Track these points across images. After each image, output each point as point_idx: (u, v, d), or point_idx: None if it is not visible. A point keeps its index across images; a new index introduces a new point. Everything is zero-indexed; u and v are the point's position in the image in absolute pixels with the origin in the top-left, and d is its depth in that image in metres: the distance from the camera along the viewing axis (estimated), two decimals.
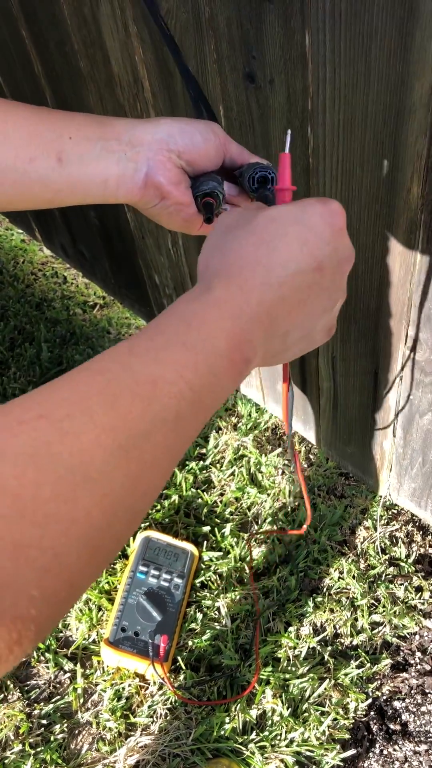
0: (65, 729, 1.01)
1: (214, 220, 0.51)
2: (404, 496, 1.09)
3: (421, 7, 0.54)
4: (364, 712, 0.99)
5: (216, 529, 1.17)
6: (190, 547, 1.12)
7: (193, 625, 1.07)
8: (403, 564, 1.11)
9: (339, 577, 1.10)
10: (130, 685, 1.03)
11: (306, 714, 0.98)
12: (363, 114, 0.64)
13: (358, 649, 1.04)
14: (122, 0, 0.82)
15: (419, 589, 1.08)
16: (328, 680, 1.00)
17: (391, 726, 0.97)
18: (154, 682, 1.03)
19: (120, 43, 0.88)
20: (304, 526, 0.92)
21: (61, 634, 1.10)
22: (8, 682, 1.05)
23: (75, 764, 0.97)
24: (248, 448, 1.28)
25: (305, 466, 1.25)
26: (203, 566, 1.13)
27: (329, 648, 1.04)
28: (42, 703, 1.03)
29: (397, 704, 0.99)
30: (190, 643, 1.05)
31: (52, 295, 1.69)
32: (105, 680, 1.04)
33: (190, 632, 1.07)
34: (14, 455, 0.27)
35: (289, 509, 1.19)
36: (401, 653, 1.03)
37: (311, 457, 1.26)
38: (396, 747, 0.95)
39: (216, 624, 1.07)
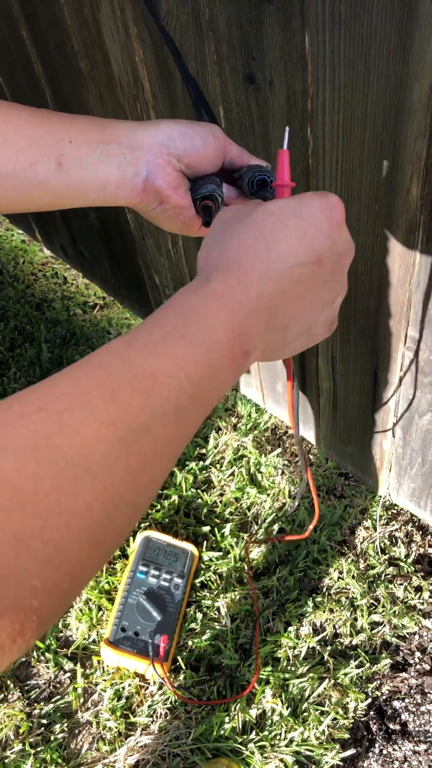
0: (65, 729, 1.01)
1: (212, 222, 0.52)
2: (404, 496, 1.09)
3: (420, 8, 0.54)
4: (363, 712, 0.99)
5: (216, 529, 1.17)
6: (190, 547, 1.12)
7: (193, 625, 1.07)
8: (402, 564, 1.11)
9: (338, 577, 1.11)
10: (130, 685, 1.03)
11: (306, 714, 0.98)
12: (362, 115, 0.64)
13: (357, 649, 1.04)
14: (122, 1, 0.82)
15: (419, 589, 1.08)
16: (327, 680, 1.00)
17: (391, 726, 0.97)
18: (154, 682, 1.03)
19: (120, 44, 0.88)
20: (309, 528, 0.92)
21: (61, 634, 1.10)
22: (8, 682, 1.05)
23: (75, 764, 0.98)
24: (248, 448, 1.28)
25: (311, 458, 1.25)
26: (203, 566, 1.13)
27: (329, 648, 1.04)
28: (42, 703, 1.03)
29: (396, 704, 0.99)
30: (190, 642, 1.05)
31: (53, 296, 1.69)
32: (105, 680, 1.04)
33: (190, 632, 1.07)
34: (15, 448, 0.27)
35: (288, 509, 1.19)
36: (401, 653, 1.04)
37: (311, 457, 1.26)
38: (395, 747, 0.95)
39: (216, 624, 1.07)
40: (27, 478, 0.26)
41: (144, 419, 0.31)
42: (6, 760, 0.98)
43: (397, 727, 0.97)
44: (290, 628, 1.06)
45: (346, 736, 0.97)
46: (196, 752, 0.96)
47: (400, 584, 1.09)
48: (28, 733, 1.00)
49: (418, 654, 1.03)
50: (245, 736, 0.97)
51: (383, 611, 1.06)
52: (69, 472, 0.28)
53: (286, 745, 0.96)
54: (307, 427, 1.19)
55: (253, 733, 0.97)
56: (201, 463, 1.27)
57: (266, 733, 0.97)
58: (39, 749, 0.98)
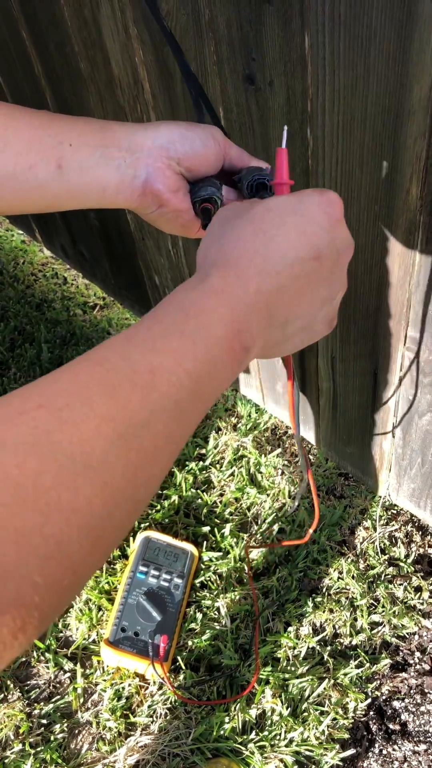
0: (65, 729, 1.01)
1: (211, 220, 0.52)
2: (403, 497, 1.09)
3: (419, 10, 0.54)
4: (363, 712, 0.99)
5: (216, 530, 1.17)
6: (189, 547, 1.12)
7: (192, 625, 1.07)
8: (402, 564, 1.11)
9: (338, 577, 1.11)
10: (130, 685, 1.03)
11: (305, 714, 0.98)
12: (362, 116, 0.65)
13: (357, 649, 1.04)
14: (122, 2, 0.82)
15: (418, 589, 1.08)
16: (327, 680, 1.00)
17: (391, 726, 0.97)
18: (154, 682, 1.03)
19: (120, 45, 0.88)
20: (309, 531, 0.92)
21: (61, 634, 1.10)
22: (8, 682, 1.05)
23: (75, 764, 0.98)
24: (248, 448, 1.29)
25: (311, 459, 1.25)
26: (203, 566, 1.13)
27: (329, 648, 1.04)
28: (42, 703, 1.03)
29: (396, 704, 0.99)
30: (189, 643, 1.05)
31: (53, 296, 1.69)
32: (105, 680, 1.04)
33: (189, 632, 1.07)
34: (15, 445, 0.27)
35: (288, 509, 1.19)
36: (400, 653, 1.04)
37: (311, 457, 1.26)
38: (395, 747, 0.96)
39: (216, 624, 1.07)
40: (27, 474, 0.26)
41: (144, 415, 0.31)
42: (6, 760, 0.98)
43: (397, 727, 0.97)
44: (290, 629, 1.06)
45: (346, 736, 0.97)
46: (196, 752, 0.96)
47: (400, 584, 1.09)
48: (28, 733, 1.00)
49: (417, 654, 1.03)
50: (245, 736, 0.97)
51: (383, 611, 1.06)
52: (69, 468, 0.28)
53: (286, 745, 0.96)
54: (306, 427, 1.19)
55: (253, 733, 0.97)
56: (201, 463, 1.28)
57: (266, 733, 0.97)
58: (39, 749, 0.98)
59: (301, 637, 1.05)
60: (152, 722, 1.00)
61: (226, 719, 0.98)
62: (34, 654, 1.08)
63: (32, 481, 0.26)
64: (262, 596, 1.09)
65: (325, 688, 1.00)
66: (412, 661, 1.03)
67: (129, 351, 0.33)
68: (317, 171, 0.74)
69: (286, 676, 1.01)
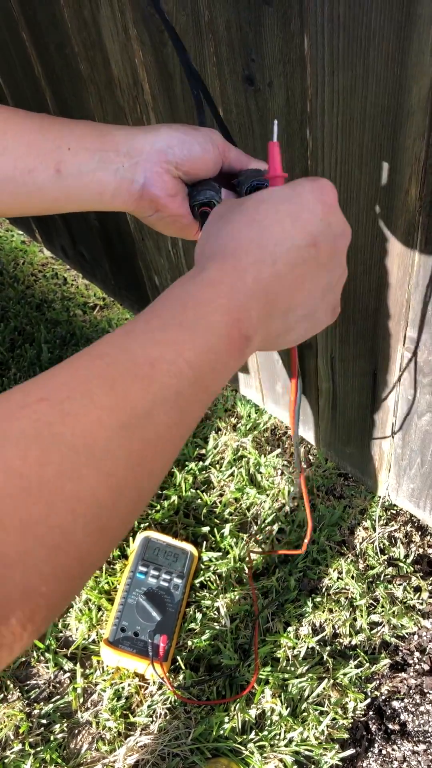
0: (65, 728, 1.01)
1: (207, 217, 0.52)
2: (403, 497, 1.09)
3: (418, 11, 0.54)
4: (362, 712, 0.99)
5: (215, 530, 1.17)
6: (189, 547, 1.13)
7: (192, 625, 1.07)
8: (401, 564, 1.11)
9: (338, 578, 1.11)
10: (129, 685, 1.03)
11: (305, 714, 0.98)
12: (361, 116, 0.65)
13: (356, 649, 1.04)
14: (122, 3, 0.82)
15: (418, 589, 1.08)
16: (327, 680, 1.01)
17: (390, 726, 0.97)
18: (154, 682, 1.03)
19: (120, 46, 0.88)
20: (305, 542, 0.92)
21: (61, 634, 1.10)
22: (8, 682, 1.06)
23: (75, 764, 0.98)
24: (247, 448, 1.29)
25: (304, 466, 1.26)
26: (203, 566, 1.13)
27: (328, 648, 1.04)
28: (42, 703, 1.03)
29: (395, 704, 0.99)
30: (189, 643, 1.06)
31: (53, 297, 1.70)
32: (105, 680, 1.04)
33: (189, 632, 1.07)
34: (17, 437, 0.27)
35: (288, 510, 1.20)
36: (400, 653, 1.04)
37: (310, 457, 1.26)
38: (395, 747, 0.96)
39: (215, 624, 1.07)
40: (31, 465, 0.27)
41: (145, 406, 0.31)
42: (6, 760, 0.98)
43: (397, 727, 0.97)
44: (289, 628, 1.06)
45: (346, 736, 0.97)
46: (196, 752, 0.96)
47: (400, 584, 1.09)
48: (27, 733, 1.00)
49: (417, 654, 1.03)
50: (245, 736, 0.97)
51: (382, 611, 1.06)
52: (72, 458, 0.28)
53: (286, 745, 0.96)
54: (306, 427, 1.20)
55: (253, 733, 0.97)
56: (200, 463, 1.28)
57: (265, 733, 0.97)
58: (39, 749, 0.99)
59: (300, 637, 1.05)
60: (152, 722, 1.00)
61: (226, 719, 0.98)
62: (34, 654, 1.08)
63: (36, 472, 0.27)
64: (261, 596, 1.10)
65: (324, 688, 1.00)
66: (411, 661, 1.03)
67: (128, 344, 0.33)
68: (317, 172, 0.74)
69: (286, 676, 1.01)
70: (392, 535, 1.15)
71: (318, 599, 1.09)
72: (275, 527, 1.17)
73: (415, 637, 1.05)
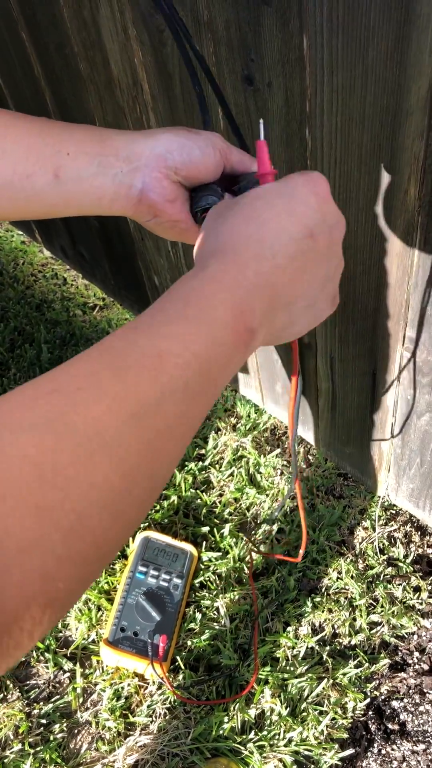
0: (64, 728, 1.01)
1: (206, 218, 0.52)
2: (402, 497, 1.09)
3: (417, 10, 0.54)
4: (362, 712, 0.99)
5: (215, 530, 1.17)
6: (189, 547, 1.13)
7: (192, 625, 1.07)
8: (401, 564, 1.11)
9: (337, 577, 1.11)
10: (129, 685, 1.03)
11: (304, 714, 0.98)
12: (360, 117, 0.65)
13: (356, 649, 1.04)
14: (122, 3, 0.82)
15: (417, 589, 1.08)
16: (326, 680, 1.01)
17: (390, 726, 0.97)
18: (153, 682, 1.03)
19: (119, 46, 0.88)
20: (301, 552, 0.93)
21: (61, 634, 1.10)
22: (8, 682, 1.06)
23: (74, 763, 0.98)
24: (247, 448, 1.29)
25: (303, 466, 1.26)
26: (202, 566, 1.13)
27: (328, 648, 1.04)
28: (41, 703, 1.04)
29: (395, 704, 0.99)
30: (189, 642, 1.06)
31: (52, 297, 1.70)
32: (104, 680, 1.04)
33: (189, 632, 1.07)
34: (31, 426, 0.28)
35: (287, 509, 1.20)
36: (399, 653, 1.04)
37: (310, 457, 1.27)
38: (394, 746, 0.96)
39: (215, 624, 1.07)
40: (45, 452, 0.27)
41: (154, 396, 0.32)
42: (5, 760, 0.98)
43: (396, 727, 0.97)
44: (289, 628, 1.06)
45: (345, 735, 0.97)
46: (195, 752, 0.96)
47: (399, 584, 1.09)
48: (27, 733, 1.00)
49: (416, 654, 1.03)
50: (244, 736, 0.97)
51: (382, 611, 1.06)
52: (85, 445, 0.29)
53: (285, 745, 0.96)
54: (305, 427, 1.20)
55: (252, 732, 0.97)
56: (200, 463, 1.28)
57: (265, 732, 0.97)
58: (38, 749, 0.99)
59: (300, 637, 1.05)
60: (151, 722, 1.00)
61: (225, 719, 0.98)
62: (34, 654, 1.08)
63: (50, 458, 0.27)
64: (261, 596, 1.10)
65: (324, 688, 1.00)
66: (411, 661, 1.03)
67: (135, 338, 0.34)
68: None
69: (285, 675, 1.01)
70: (392, 535, 1.15)
71: (317, 599, 1.09)
72: (275, 527, 1.17)
73: (415, 637, 1.05)
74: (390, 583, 1.09)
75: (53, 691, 1.05)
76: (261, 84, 0.72)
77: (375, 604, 1.08)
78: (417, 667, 1.02)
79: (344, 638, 1.05)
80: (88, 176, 0.51)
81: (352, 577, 1.10)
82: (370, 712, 0.99)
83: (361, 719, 0.99)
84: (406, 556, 1.12)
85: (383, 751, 0.96)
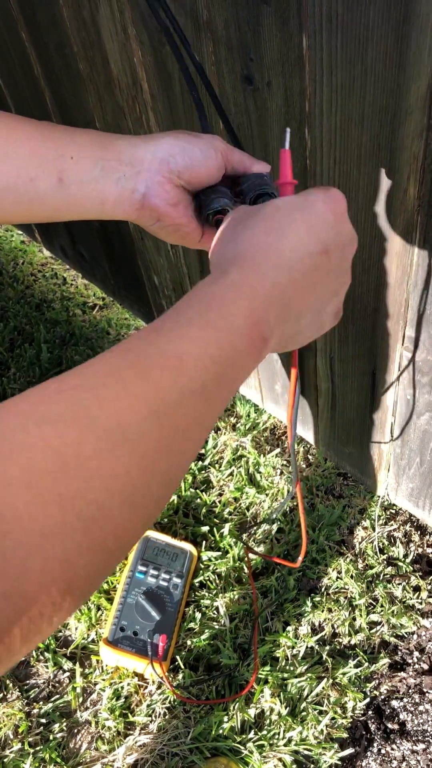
0: (64, 728, 1.01)
1: (223, 221, 0.52)
2: (402, 496, 1.09)
3: (417, 10, 0.54)
4: (362, 712, 0.99)
5: (215, 529, 1.17)
6: (189, 546, 1.13)
7: (191, 625, 1.07)
8: (401, 564, 1.11)
9: (337, 577, 1.11)
10: (129, 685, 1.03)
11: (304, 713, 0.98)
12: (360, 116, 0.65)
13: (356, 649, 1.04)
14: (121, 2, 0.82)
15: (417, 589, 1.08)
16: (326, 679, 1.01)
17: (389, 725, 0.97)
18: (153, 682, 1.03)
19: (119, 45, 0.88)
20: (300, 559, 0.93)
21: (60, 634, 1.10)
22: (8, 681, 1.06)
23: (74, 763, 0.98)
24: (247, 448, 1.29)
25: (303, 466, 1.26)
26: (202, 566, 1.13)
27: (327, 647, 1.04)
28: (41, 702, 1.04)
29: (395, 703, 0.99)
30: (188, 642, 1.06)
31: (52, 296, 1.70)
32: (104, 679, 1.04)
33: (188, 632, 1.07)
34: (55, 418, 0.29)
35: (287, 509, 1.20)
36: (399, 653, 1.04)
37: (309, 457, 1.27)
38: (394, 746, 0.96)
39: (215, 623, 1.07)
40: (69, 444, 0.28)
41: (173, 396, 0.33)
42: (5, 760, 0.98)
43: (396, 727, 0.97)
44: (289, 628, 1.06)
45: (345, 735, 0.97)
46: (195, 751, 0.96)
47: (399, 584, 1.09)
48: (27, 733, 1.00)
49: (416, 654, 1.03)
50: (244, 736, 0.97)
51: (382, 611, 1.06)
52: (108, 439, 0.30)
53: (285, 745, 0.96)
54: (305, 427, 1.20)
55: (252, 732, 0.97)
56: (200, 463, 1.28)
57: (265, 732, 0.97)
58: (38, 748, 0.99)
59: (299, 637, 1.05)
60: (151, 721, 1.00)
61: (225, 718, 0.98)
62: (34, 653, 1.08)
63: (73, 450, 0.28)
64: (261, 596, 1.10)
65: (323, 688, 1.00)
66: (410, 661, 1.03)
67: (157, 339, 0.35)
68: (315, 171, 0.74)
69: (285, 675, 1.01)
70: (391, 534, 1.15)
71: (317, 599, 1.09)
72: (274, 527, 1.17)
73: (415, 636, 1.05)
74: (390, 582, 1.09)
75: (53, 690, 1.05)
76: (260, 83, 0.72)
77: (375, 603, 1.08)
78: (417, 666, 1.02)
79: (344, 638, 1.06)
80: (91, 180, 0.52)
81: (351, 576, 1.10)
82: (370, 712, 0.99)
83: (361, 719, 0.99)
84: (405, 556, 1.12)
85: (383, 751, 0.96)
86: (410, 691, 1.00)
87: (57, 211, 0.53)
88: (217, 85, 0.78)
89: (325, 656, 1.03)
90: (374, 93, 0.62)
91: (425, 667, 1.02)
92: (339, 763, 0.95)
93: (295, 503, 1.20)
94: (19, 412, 0.29)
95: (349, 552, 1.14)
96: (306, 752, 0.96)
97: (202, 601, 1.09)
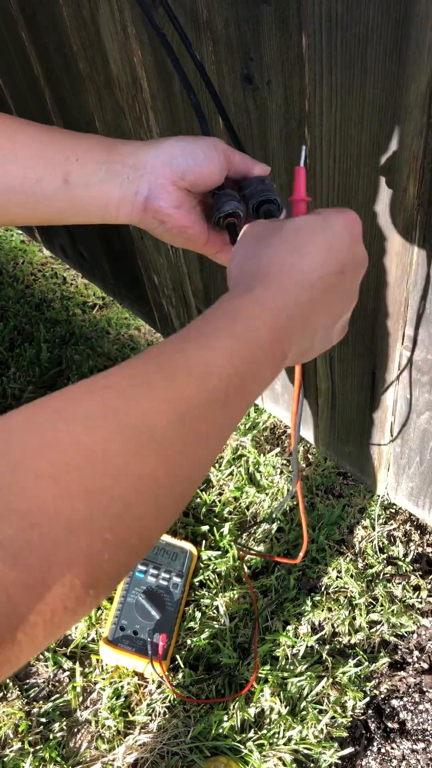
0: (64, 727, 1.01)
1: (241, 235, 0.53)
2: (402, 496, 1.09)
3: (416, 8, 0.54)
4: (362, 711, 0.99)
5: (215, 529, 1.18)
6: (188, 546, 1.13)
7: (191, 624, 1.07)
8: (400, 563, 1.11)
9: (337, 576, 1.11)
10: (129, 684, 1.03)
11: (304, 712, 0.98)
12: (359, 115, 0.65)
13: (356, 648, 1.04)
14: (121, 2, 0.82)
15: (417, 588, 1.08)
16: (326, 679, 1.01)
17: (389, 724, 0.98)
18: (153, 681, 1.03)
19: (119, 45, 0.89)
20: (300, 555, 0.93)
21: None
22: (8, 681, 1.06)
23: (74, 762, 0.98)
24: (247, 447, 1.29)
25: (303, 465, 1.26)
26: (202, 565, 1.13)
27: (327, 647, 1.04)
28: (41, 702, 1.04)
29: (394, 702, 0.99)
30: (188, 641, 1.06)
31: (52, 296, 1.70)
32: (104, 679, 1.04)
33: (188, 631, 1.07)
34: (85, 416, 0.30)
35: (287, 508, 1.20)
36: (399, 652, 1.04)
37: (309, 456, 1.27)
38: (394, 745, 0.96)
39: (214, 623, 1.07)
40: (97, 441, 0.29)
41: (198, 402, 0.34)
42: (5, 759, 0.98)
43: (396, 726, 0.97)
44: (289, 627, 1.06)
45: (345, 734, 0.97)
46: (195, 751, 0.96)
47: (399, 583, 1.09)
48: (27, 732, 1.00)
49: (416, 653, 1.03)
50: (244, 735, 0.97)
51: (381, 610, 1.06)
52: (135, 439, 0.30)
53: (285, 744, 0.96)
54: (305, 426, 1.20)
55: (252, 731, 0.97)
56: None
57: (265, 731, 0.97)
58: (38, 748, 0.99)
59: (299, 636, 1.05)
60: (151, 721, 1.00)
61: (225, 718, 0.98)
62: None
63: (102, 447, 0.29)
64: (261, 595, 1.10)
65: (323, 687, 1.00)
66: (410, 660, 1.03)
67: (185, 347, 0.36)
68: (315, 170, 0.74)
69: (285, 674, 1.01)
70: (391, 533, 1.15)
71: (317, 598, 1.09)
72: (274, 526, 1.17)
73: (414, 635, 1.05)
74: (390, 581, 1.09)
75: (53, 689, 1.05)
76: (260, 82, 0.72)
77: (375, 602, 1.08)
78: (416, 665, 1.02)
79: (344, 637, 1.06)
80: (96, 182, 0.52)
81: (351, 576, 1.10)
82: (370, 711, 0.99)
83: (361, 718, 0.99)
84: (405, 555, 1.12)
85: (383, 750, 0.96)
86: (410, 690, 1.00)
87: (61, 213, 0.53)
88: (216, 85, 0.78)
89: (325, 655, 1.03)
90: (374, 92, 0.62)
91: (425, 666, 1.02)
92: (339, 762, 0.95)
93: (295, 503, 1.20)
94: (49, 411, 0.30)
95: (349, 551, 1.14)
96: (306, 751, 0.96)
97: (202, 600, 1.10)
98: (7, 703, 1.04)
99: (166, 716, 1.00)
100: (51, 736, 1.00)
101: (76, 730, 1.01)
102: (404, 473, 1.04)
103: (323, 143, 0.71)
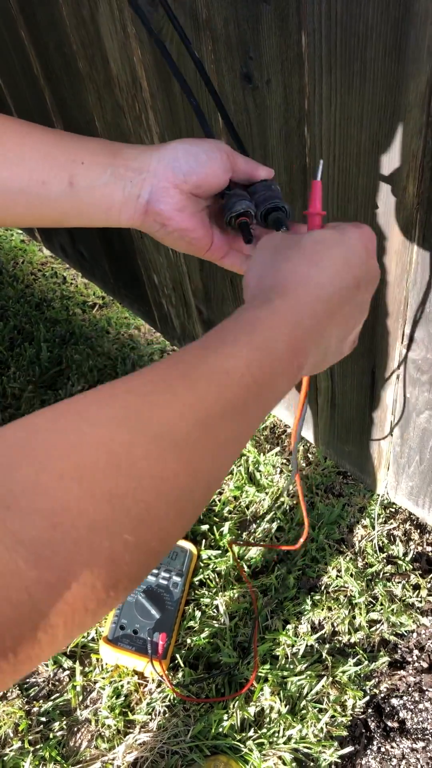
0: (64, 726, 1.01)
1: (253, 240, 0.53)
2: (402, 495, 1.09)
3: (415, 7, 0.54)
4: (361, 710, 0.99)
5: (215, 528, 1.18)
6: (188, 545, 1.13)
7: (191, 623, 1.07)
8: (400, 562, 1.11)
9: (337, 575, 1.11)
10: (128, 683, 1.03)
11: (304, 711, 0.98)
12: (359, 114, 0.65)
13: (355, 647, 1.04)
14: (120, 1, 0.82)
15: (417, 587, 1.08)
16: (326, 678, 1.01)
17: (389, 723, 0.98)
18: (153, 680, 1.03)
19: (119, 44, 0.89)
20: (301, 541, 0.93)
21: None
22: None
23: (74, 761, 0.98)
24: (247, 447, 1.29)
25: (303, 465, 1.26)
26: (202, 564, 1.14)
27: (327, 646, 1.04)
28: (41, 701, 1.04)
29: (394, 702, 0.99)
30: (188, 640, 1.06)
31: (52, 295, 1.70)
32: (104, 678, 1.04)
33: (188, 630, 1.07)
34: (108, 420, 0.30)
35: (287, 508, 1.20)
36: (399, 651, 1.04)
37: (309, 456, 1.27)
38: (393, 744, 0.96)
39: (214, 622, 1.07)
40: (121, 444, 0.29)
41: (218, 409, 0.34)
42: (5, 758, 0.98)
43: (395, 725, 0.97)
44: (289, 626, 1.06)
45: (345, 733, 0.97)
46: (195, 750, 0.96)
47: (398, 582, 1.09)
48: (27, 731, 1.00)
49: (416, 652, 1.03)
50: (244, 734, 0.97)
51: (381, 609, 1.07)
52: (157, 443, 0.31)
53: (285, 743, 0.96)
54: (305, 426, 1.20)
55: (252, 730, 0.97)
56: None
57: (264, 730, 0.97)
58: (38, 747, 0.99)
59: (299, 635, 1.06)
60: (151, 720, 1.00)
61: (225, 717, 0.98)
62: None
63: (125, 450, 0.29)
64: (260, 594, 1.10)
65: (323, 686, 1.00)
66: (410, 659, 1.03)
67: (205, 354, 0.37)
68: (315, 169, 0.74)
69: (285, 673, 1.01)
70: (391, 533, 1.15)
71: (317, 597, 1.09)
72: (274, 525, 1.17)
73: (414, 635, 1.05)
74: (389, 581, 1.09)
75: (53, 689, 1.05)
76: (260, 81, 0.72)
77: (374, 602, 1.08)
78: (416, 664, 1.02)
79: (344, 636, 1.06)
80: (100, 185, 0.53)
81: (351, 575, 1.10)
82: (370, 710, 0.99)
83: (361, 717, 0.99)
84: (405, 554, 1.12)
85: (383, 749, 0.96)
86: (410, 689, 1.00)
87: (66, 215, 0.54)
88: (216, 84, 0.78)
89: (324, 654, 1.03)
90: (373, 91, 0.62)
91: (425, 665, 1.02)
92: (339, 761, 0.95)
93: (295, 501, 1.20)
94: (73, 414, 0.30)
95: (349, 550, 1.14)
96: (306, 750, 0.96)
97: (201, 599, 1.10)
98: (7, 702, 1.04)
99: (166, 715, 1.00)
100: (51, 735, 1.00)
101: (76, 729, 1.01)
102: (404, 472, 1.04)
103: (323, 142, 0.71)
